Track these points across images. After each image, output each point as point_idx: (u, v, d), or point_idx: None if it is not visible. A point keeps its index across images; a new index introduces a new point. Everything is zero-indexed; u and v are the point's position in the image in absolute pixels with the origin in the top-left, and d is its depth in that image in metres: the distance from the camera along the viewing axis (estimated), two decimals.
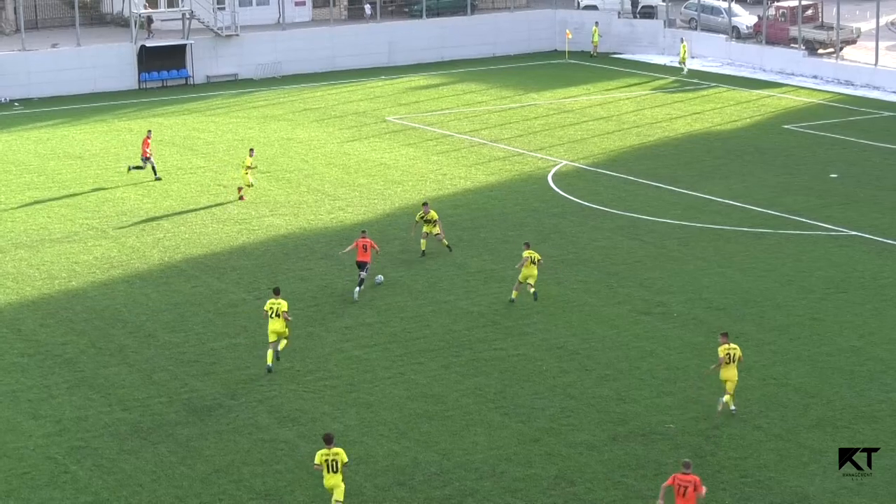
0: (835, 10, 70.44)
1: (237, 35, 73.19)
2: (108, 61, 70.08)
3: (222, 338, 33.35)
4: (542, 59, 78.64)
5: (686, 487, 22.68)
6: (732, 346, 28.17)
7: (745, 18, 77.97)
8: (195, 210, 45.56)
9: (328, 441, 24.10)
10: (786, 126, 58.68)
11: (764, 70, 72.26)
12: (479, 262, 39.20)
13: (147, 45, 70.54)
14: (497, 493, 25.11)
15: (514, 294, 35.50)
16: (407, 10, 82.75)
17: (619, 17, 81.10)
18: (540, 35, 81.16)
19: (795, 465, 26.07)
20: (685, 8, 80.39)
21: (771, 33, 73.85)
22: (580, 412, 28.61)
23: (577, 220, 43.77)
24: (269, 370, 30.92)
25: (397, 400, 29.41)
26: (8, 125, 61.18)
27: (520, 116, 62.00)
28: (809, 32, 72.60)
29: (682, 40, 73.76)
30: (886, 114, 61.28)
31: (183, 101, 66.84)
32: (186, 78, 71.76)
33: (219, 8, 74.17)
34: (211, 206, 45.97)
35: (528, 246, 35.61)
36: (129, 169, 50.02)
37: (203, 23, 72.41)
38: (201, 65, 72.18)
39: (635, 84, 69.95)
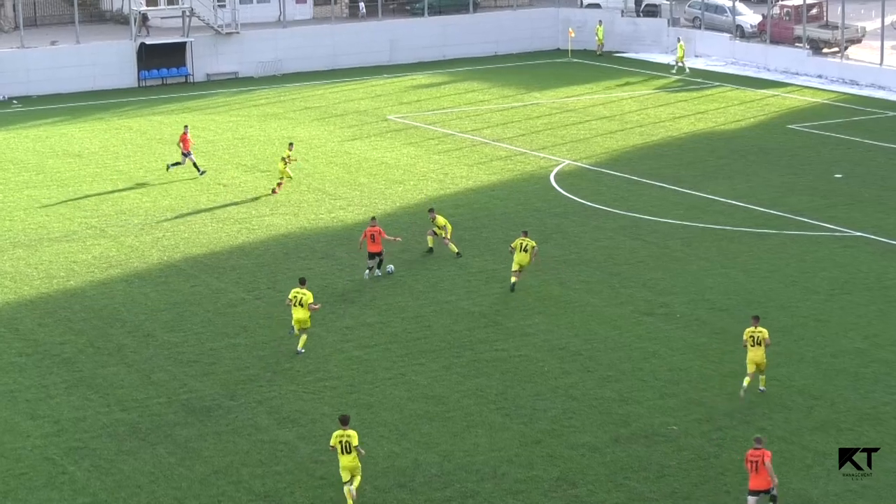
0: (840, 8, 70.30)
1: (238, 33, 73.05)
2: (107, 59, 69.95)
3: (222, 338, 33.23)
4: (544, 57, 78.53)
5: (756, 462, 23.63)
6: (759, 329, 28.76)
7: (750, 17, 77.76)
8: (195, 209, 45.38)
9: (344, 422, 24.49)
10: (790, 126, 58.51)
11: (768, 69, 72.06)
12: (481, 262, 39.06)
13: (147, 42, 70.42)
14: (498, 495, 25.02)
15: (513, 279, 36.07)
16: (408, 7, 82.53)
17: (622, 15, 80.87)
18: (543, 33, 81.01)
19: (799, 467, 25.95)
20: (689, 6, 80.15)
21: (775, 32, 73.64)
22: (582, 414, 28.51)
23: (579, 219, 43.64)
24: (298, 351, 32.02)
25: (398, 401, 29.30)
26: (6, 123, 61.05)
27: (522, 115, 61.87)
28: (814, 31, 72.39)
29: (678, 39, 73.55)
30: (892, 114, 61.11)
31: (183, 100, 66.72)
32: (186, 76, 71.64)
33: (219, 5, 74.00)
34: (211, 205, 45.82)
35: (525, 234, 36.30)
36: (169, 167, 49.76)
37: (203, 20, 72.25)
38: (201, 63, 72.03)
39: (638, 83, 69.78)
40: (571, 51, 78.39)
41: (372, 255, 36.92)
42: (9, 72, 67.64)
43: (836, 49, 71.24)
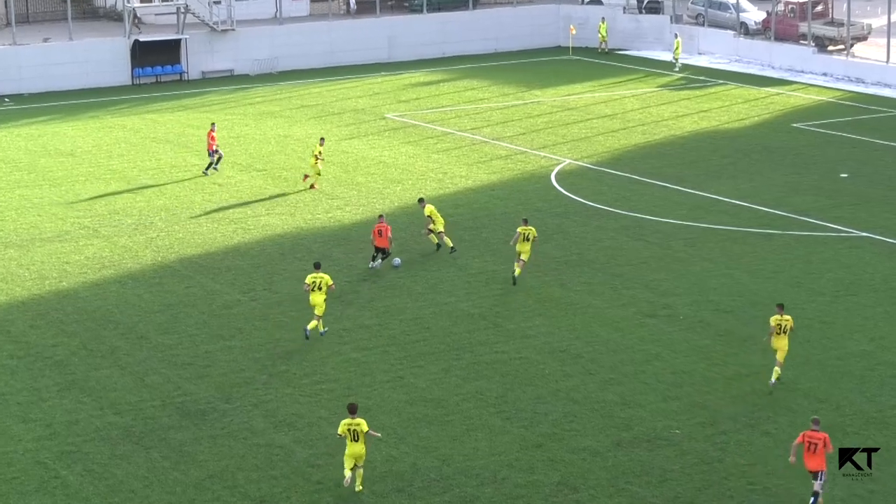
0: (845, 5, 70.28)
1: (233, 30, 72.84)
2: (100, 56, 69.68)
3: (216, 340, 33.00)
4: (545, 55, 78.47)
5: (815, 444, 23.82)
6: (785, 316, 29.15)
7: (754, 14, 77.71)
8: (189, 209, 45.07)
9: (352, 411, 24.84)
10: (795, 124, 58.38)
11: (772, 67, 71.83)
12: (481, 262, 38.81)
13: (141, 39, 70.14)
14: (498, 500, 24.86)
15: (516, 271, 36.22)
16: (407, 4, 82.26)
17: (624, 12, 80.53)
18: (543, 31, 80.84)
19: (804, 472, 25.51)
20: (692, 3, 79.97)
21: (780, 29, 73.44)
22: (583, 417, 28.31)
23: (580, 220, 43.38)
24: (307, 336, 32.52)
25: (396, 404, 29.09)
26: None
27: (522, 114, 61.68)
28: (819, 29, 72.18)
29: (675, 35, 73.26)
30: None
31: (177, 97, 66.54)
32: (181, 73, 71.39)
33: (214, 2, 73.57)
34: (205, 205, 45.53)
35: (525, 222, 36.54)
36: (206, 172, 49.33)
37: (198, 17, 72.02)
38: (196, 60, 71.76)
39: (640, 81, 69.58)
40: (572, 48, 78.16)
41: (378, 250, 37.46)
42: (0, 69, 67.32)
43: (841, 46, 71.05)
